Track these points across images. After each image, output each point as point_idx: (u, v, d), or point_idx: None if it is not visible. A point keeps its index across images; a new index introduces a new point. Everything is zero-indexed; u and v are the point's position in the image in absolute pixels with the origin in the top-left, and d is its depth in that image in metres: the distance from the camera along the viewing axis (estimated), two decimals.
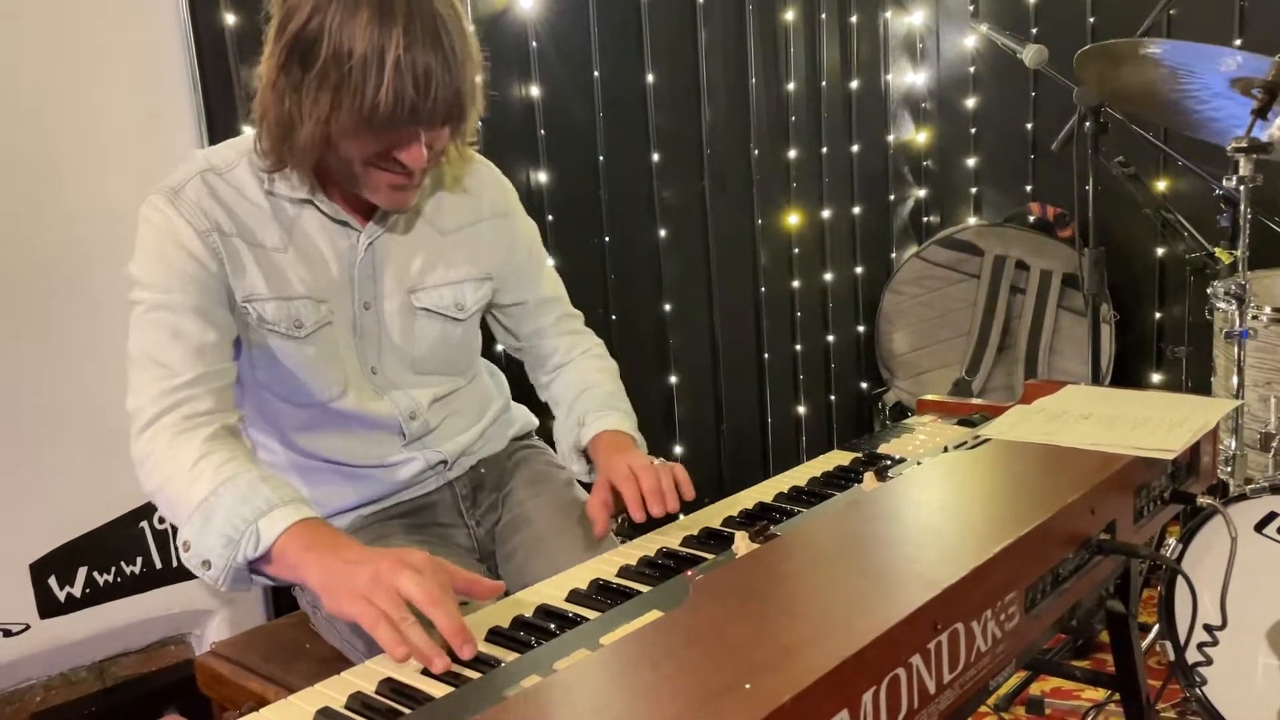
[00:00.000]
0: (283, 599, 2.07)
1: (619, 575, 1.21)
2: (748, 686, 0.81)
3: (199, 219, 1.33)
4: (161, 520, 1.94)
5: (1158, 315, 3.22)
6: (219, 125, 1.96)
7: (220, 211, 1.35)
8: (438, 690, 0.97)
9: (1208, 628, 1.43)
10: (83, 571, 1.87)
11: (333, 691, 0.99)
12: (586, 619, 1.08)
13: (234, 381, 1.36)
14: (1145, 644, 2.26)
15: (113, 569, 1.90)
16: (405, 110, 1.23)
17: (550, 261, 1.72)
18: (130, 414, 1.29)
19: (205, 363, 1.30)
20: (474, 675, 0.98)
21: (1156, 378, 3.25)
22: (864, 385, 3.65)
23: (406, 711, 0.93)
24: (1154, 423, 1.46)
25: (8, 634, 1.80)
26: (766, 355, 3.22)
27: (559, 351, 1.68)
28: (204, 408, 1.28)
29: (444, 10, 1.25)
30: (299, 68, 1.25)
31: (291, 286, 1.39)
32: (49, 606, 1.84)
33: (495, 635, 1.08)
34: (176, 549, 1.23)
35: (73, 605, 1.87)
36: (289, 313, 1.38)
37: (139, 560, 1.93)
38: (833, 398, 3.52)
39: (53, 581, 1.84)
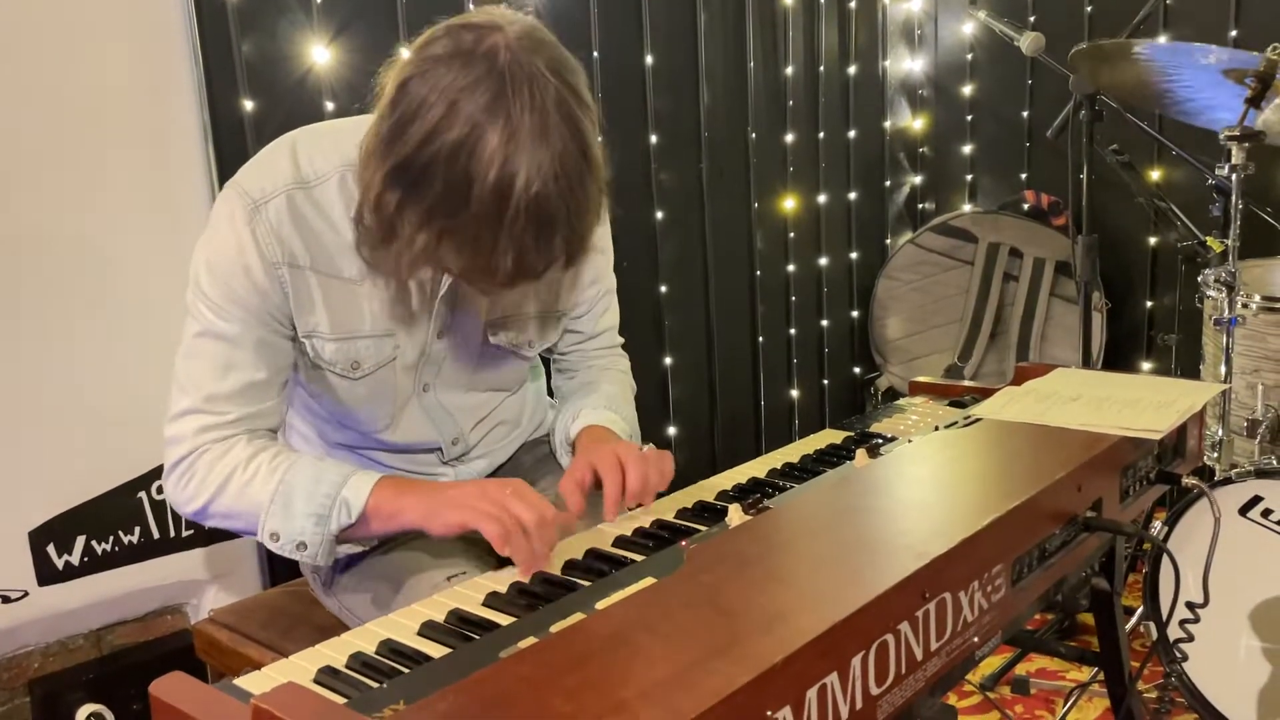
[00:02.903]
0: (279, 568, 2.09)
1: (614, 545, 1.23)
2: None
3: (272, 249, 1.26)
4: (159, 490, 1.96)
5: (1149, 303, 3.24)
6: (220, 100, 1.97)
7: (298, 241, 1.28)
8: (436, 651, 0.99)
9: (1190, 605, 1.46)
10: (81, 540, 1.89)
11: (333, 652, 1.01)
12: (582, 586, 1.10)
13: (279, 423, 1.36)
14: (1129, 625, 2.30)
15: (110, 538, 1.92)
16: (522, 272, 1.14)
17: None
18: (168, 439, 1.30)
19: (250, 402, 1.29)
20: (473, 636, 1.00)
21: (1147, 365, 3.28)
22: (857, 370, 3.67)
23: (406, 671, 0.95)
24: (1142, 404, 1.49)
25: (6, 601, 1.82)
26: (761, 338, 3.24)
27: (585, 368, 1.64)
28: (241, 438, 1.29)
29: (579, 129, 1.13)
30: (406, 192, 1.12)
31: (359, 324, 1.34)
32: (47, 574, 1.86)
33: (493, 600, 1.10)
34: (264, 543, 1.29)
35: (71, 573, 1.88)
36: (347, 354, 1.34)
37: (136, 530, 1.95)
38: (826, 382, 3.54)
39: (51, 549, 1.86)
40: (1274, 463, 2.02)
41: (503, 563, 1.22)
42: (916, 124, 3.71)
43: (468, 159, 1.08)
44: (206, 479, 1.27)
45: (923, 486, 1.29)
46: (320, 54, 2.09)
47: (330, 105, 2.11)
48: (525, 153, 1.08)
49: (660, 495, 1.36)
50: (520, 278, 1.15)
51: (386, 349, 1.37)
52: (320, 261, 1.30)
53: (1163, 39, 2.91)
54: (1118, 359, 3.29)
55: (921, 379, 1.87)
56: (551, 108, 1.11)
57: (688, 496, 1.38)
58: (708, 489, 1.40)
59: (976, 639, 1.09)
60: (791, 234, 3.32)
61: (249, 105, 2.01)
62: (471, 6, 2.33)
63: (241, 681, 0.94)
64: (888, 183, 3.69)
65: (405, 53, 1.17)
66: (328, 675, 0.96)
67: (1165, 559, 2.05)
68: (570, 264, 1.19)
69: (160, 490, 1.96)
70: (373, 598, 1.34)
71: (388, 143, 1.13)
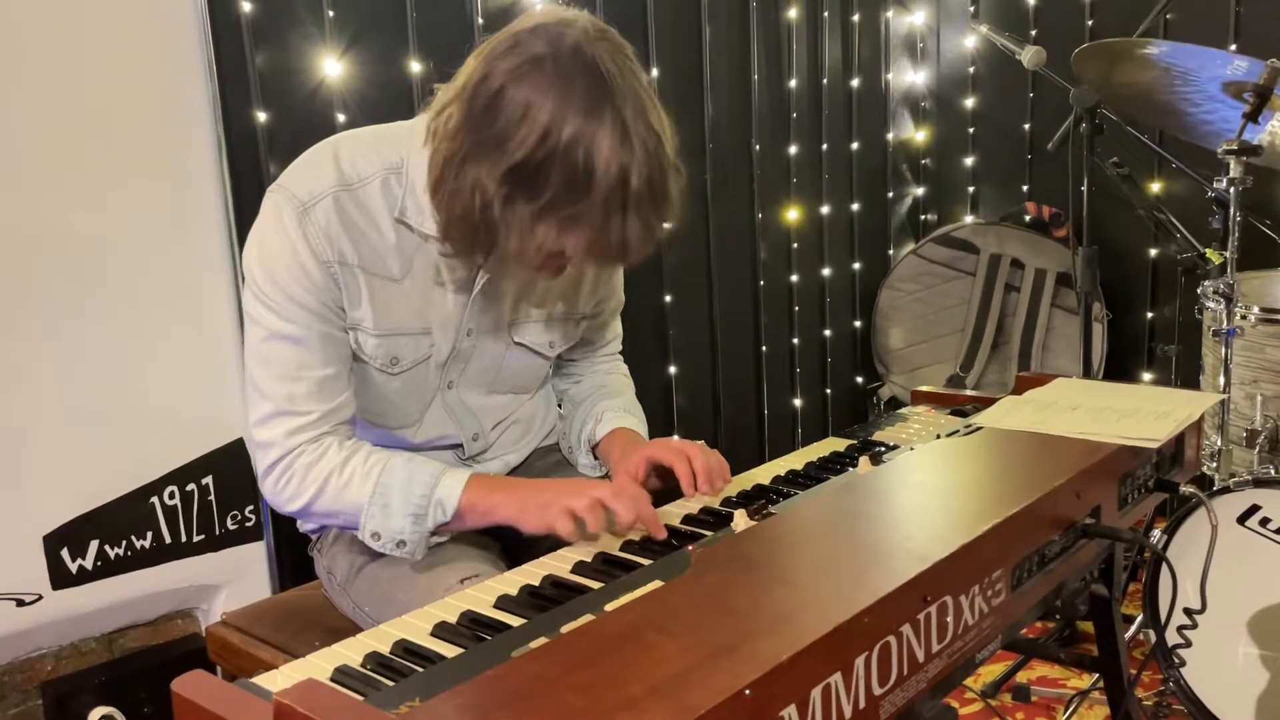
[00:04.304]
0: (288, 572, 2.12)
1: (622, 549, 1.25)
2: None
3: (323, 249, 1.31)
4: (171, 496, 1.98)
5: (1150, 314, 3.27)
6: (233, 111, 2.00)
7: (345, 240, 1.32)
8: (449, 651, 1.01)
9: (1188, 611, 1.48)
10: (94, 544, 1.91)
11: (349, 651, 1.03)
12: (592, 588, 1.12)
13: (353, 412, 1.41)
14: (1130, 633, 2.32)
15: (123, 543, 1.94)
16: (647, 244, 1.22)
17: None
18: (260, 443, 1.36)
19: (327, 398, 1.35)
20: (485, 637, 1.03)
21: (1147, 376, 3.30)
22: (859, 380, 3.70)
23: (420, 670, 0.97)
24: (1140, 414, 1.51)
25: (21, 604, 1.84)
26: (764, 348, 3.27)
27: (591, 372, 1.72)
28: (332, 438, 1.36)
29: (656, 105, 1.23)
30: (522, 191, 1.18)
31: (397, 321, 1.39)
32: (61, 578, 1.88)
33: (504, 602, 1.12)
34: (369, 540, 1.37)
35: (84, 577, 1.91)
36: (388, 350, 1.40)
37: (149, 535, 1.97)
38: (829, 391, 3.57)
39: (65, 554, 1.88)
40: (1272, 472, 2.05)
41: (513, 564, 1.25)
42: (919, 136, 3.74)
43: (586, 153, 1.16)
44: (305, 481, 1.34)
45: (924, 493, 1.31)
46: (332, 67, 2.12)
47: (342, 117, 2.14)
48: (635, 137, 1.17)
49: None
50: (645, 249, 1.24)
51: (424, 346, 1.42)
52: (366, 260, 1.35)
53: (1168, 45, 2.94)
54: (1119, 369, 3.31)
55: (923, 388, 1.89)
56: (641, 91, 1.20)
57: (694, 503, 1.40)
58: (714, 496, 1.43)
59: (977, 642, 1.11)
60: (795, 244, 3.34)
61: (262, 117, 2.04)
62: (479, 20, 2.37)
63: (261, 680, 0.97)
64: (890, 194, 3.72)
65: (472, 63, 1.24)
66: (344, 674, 0.98)
67: (1164, 567, 2.07)
68: (667, 222, 1.27)
69: (173, 495, 1.98)
70: (386, 598, 1.36)
71: (494, 149, 1.18)
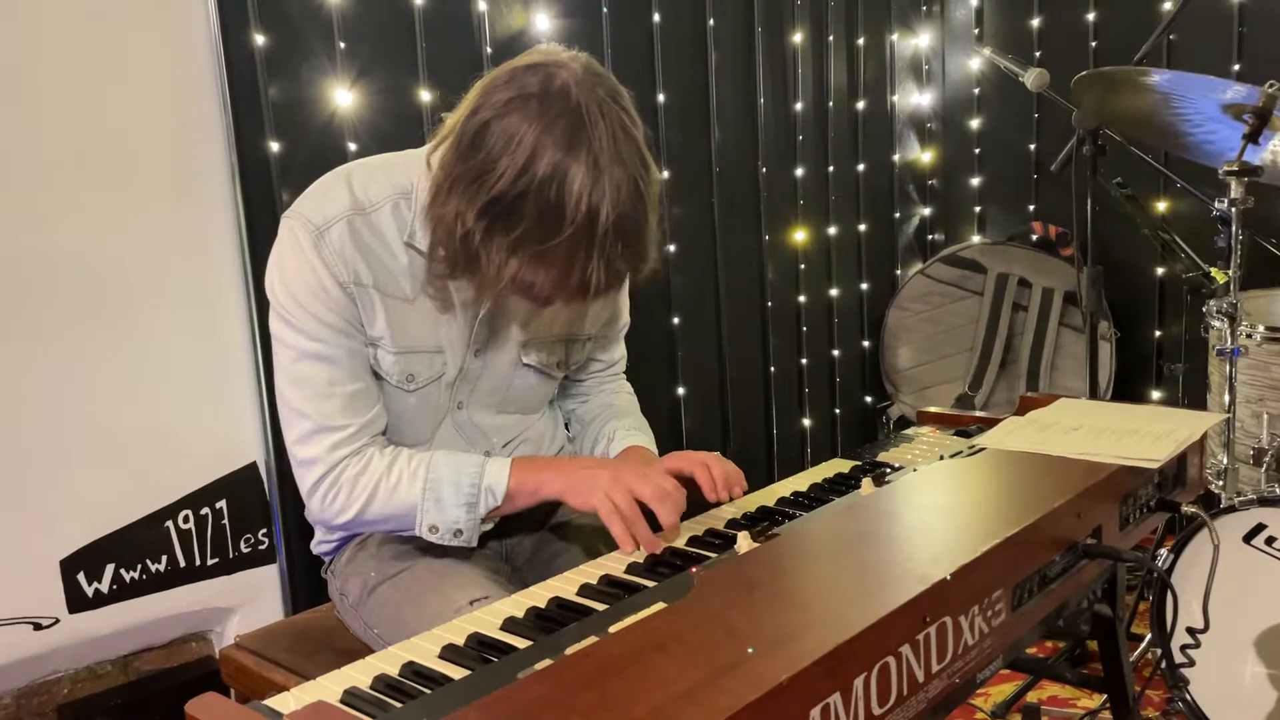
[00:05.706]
0: (301, 594, 2.14)
1: (626, 571, 1.27)
2: (750, 650, 0.88)
3: (340, 270, 1.36)
4: (186, 520, 2.01)
5: (1158, 333, 3.28)
6: (247, 141, 2.03)
7: (360, 262, 1.37)
8: (456, 673, 1.03)
9: (1191, 631, 1.49)
10: (110, 568, 1.93)
11: (358, 674, 1.05)
12: (596, 610, 1.14)
13: (385, 423, 1.45)
14: (1137, 652, 2.32)
15: (139, 566, 1.97)
16: (612, 282, 1.26)
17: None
18: (303, 461, 1.40)
19: (360, 412, 1.40)
20: (491, 659, 1.05)
21: (1156, 394, 3.30)
22: (868, 399, 3.71)
23: (428, 692, 0.99)
24: (1141, 434, 1.52)
25: (38, 627, 1.87)
26: (773, 369, 3.29)
27: (598, 391, 1.76)
28: (372, 448, 1.41)
29: (639, 148, 1.25)
30: (498, 224, 1.23)
31: (412, 339, 1.43)
32: (78, 602, 1.91)
33: (510, 624, 1.14)
34: (423, 533, 1.43)
35: (100, 601, 1.93)
36: (404, 367, 1.44)
37: (164, 558, 2.00)
38: (837, 411, 3.58)
39: (81, 577, 1.90)
40: (1278, 491, 2.05)
41: (522, 587, 1.27)
42: (925, 157, 3.77)
43: (558, 190, 1.20)
44: (354, 492, 1.39)
45: (926, 514, 1.33)
46: (343, 97, 2.16)
47: (353, 146, 2.18)
48: (607, 178, 1.20)
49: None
50: (610, 288, 1.28)
51: (437, 364, 1.47)
52: (380, 280, 1.40)
53: (1167, 73, 2.96)
54: (1127, 388, 3.32)
55: (930, 409, 1.91)
56: (620, 133, 1.23)
57: (699, 525, 1.42)
58: (718, 517, 1.44)
59: (977, 663, 1.12)
60: (802, 265, 3.36)
61: (275, 146, 2.08)
62: (488, 50, 2.41)
63: (272, 702, 0.99)
64: (897, 214, 3.74)
65: (472, 94, 1.29)
66: (353, 696, 1.00)
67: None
68: (638, 270, 1.31)
69: (187, 520, 2.01)
70: (398, 619, 1.38)
71: (474, 180, 1.23)
